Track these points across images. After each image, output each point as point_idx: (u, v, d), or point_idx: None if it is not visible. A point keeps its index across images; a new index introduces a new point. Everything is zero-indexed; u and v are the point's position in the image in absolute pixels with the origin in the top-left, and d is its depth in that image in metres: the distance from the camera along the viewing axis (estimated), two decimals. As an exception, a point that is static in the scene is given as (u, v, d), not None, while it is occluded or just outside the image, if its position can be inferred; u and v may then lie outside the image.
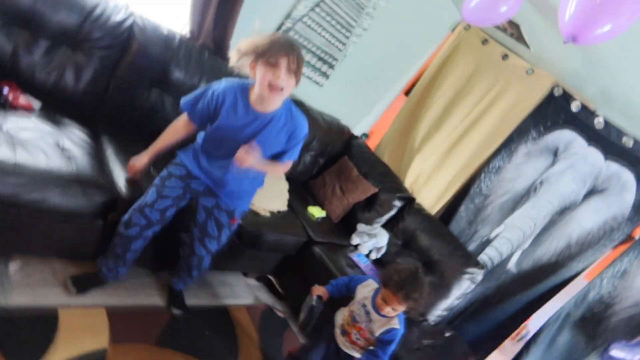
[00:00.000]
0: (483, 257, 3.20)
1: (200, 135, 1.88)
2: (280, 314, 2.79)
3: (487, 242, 3.23)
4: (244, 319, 2.51)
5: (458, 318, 3.25)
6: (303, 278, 2.78)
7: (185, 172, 1.87)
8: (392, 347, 1.99)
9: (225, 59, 2.53)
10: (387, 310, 1.91)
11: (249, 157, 1.65)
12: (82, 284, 1.92)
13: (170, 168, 1.90)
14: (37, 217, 1.71)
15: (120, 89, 2.21)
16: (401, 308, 1.90)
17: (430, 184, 3.48)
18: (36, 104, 1.89)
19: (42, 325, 1.70)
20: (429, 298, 1.93)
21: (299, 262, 2.82)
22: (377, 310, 1.95)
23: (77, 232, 1.87)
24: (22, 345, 1.59)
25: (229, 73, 2.44)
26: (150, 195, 1.85)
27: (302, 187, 3.35)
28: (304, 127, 1.82)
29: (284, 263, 2.85)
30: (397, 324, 1.96)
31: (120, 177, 1.95)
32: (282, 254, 2.79)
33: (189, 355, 2.05)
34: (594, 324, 2.73)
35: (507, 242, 3.15)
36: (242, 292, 2.73)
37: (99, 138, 2.10)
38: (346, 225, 3.23)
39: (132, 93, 2.25)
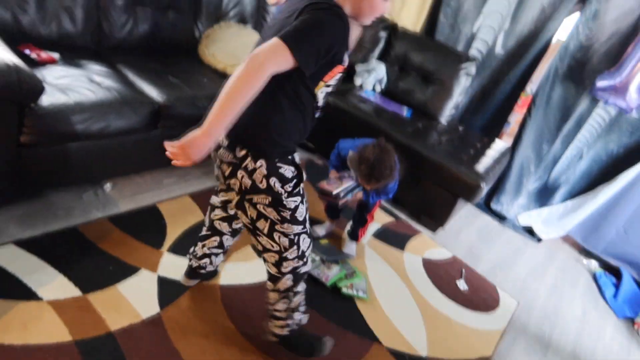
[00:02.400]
0: (472, 52, 3.51)
1: None
2: (319, 162, 3.24)
3: (472, 38, 3.50)
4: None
5: (465, 114, 3.67)
6: (327, 128, 3.18)
7: None
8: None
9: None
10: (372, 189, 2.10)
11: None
12: None
13: None
14: (107, 142, 2.07)
15: (109, 19, 2.42)
16: (377, 187, 2.06)
17: (405, 4, 3.66)
18: (55, 55, 2.13)
19: (152, 218, 2.17)
20: (400, 165, 2.05)
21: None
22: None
23: (140, 145, 2.23)
24: (148, 233, 2.07)
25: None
26: None
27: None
28: None
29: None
30: None
31: (151, 90, 2.26)
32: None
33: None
34: (579, 69, 3.11)
35: (489, 29, 3.41)
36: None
37: (116, 67, 2.36)
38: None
39: (120, 18, 2.46)
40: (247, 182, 1.35)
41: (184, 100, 2.32)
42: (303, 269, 1.55)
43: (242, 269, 2.11)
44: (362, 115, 3.07)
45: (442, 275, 2.58)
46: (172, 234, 2.14)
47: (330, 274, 2.19)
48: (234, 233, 1.76)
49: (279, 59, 1.15)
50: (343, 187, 2.10)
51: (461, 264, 2.75)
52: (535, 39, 3.26)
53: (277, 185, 1.35)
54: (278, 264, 1.52)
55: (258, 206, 1.39)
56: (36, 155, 1.86)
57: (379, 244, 2.66)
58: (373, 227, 2.76)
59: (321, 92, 1.34)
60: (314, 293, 2.08)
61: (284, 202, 1.38)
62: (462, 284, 2.57)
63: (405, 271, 2.50)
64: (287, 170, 1.36)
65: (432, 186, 2.89)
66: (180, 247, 2.08)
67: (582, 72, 3.09)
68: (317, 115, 1.42)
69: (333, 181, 2.16)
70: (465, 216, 3.32)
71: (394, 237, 2.76)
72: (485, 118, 3.65)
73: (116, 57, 2.44)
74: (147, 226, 2.13)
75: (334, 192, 2.06)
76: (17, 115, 1.72)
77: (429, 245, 2.82)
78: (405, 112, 3.26)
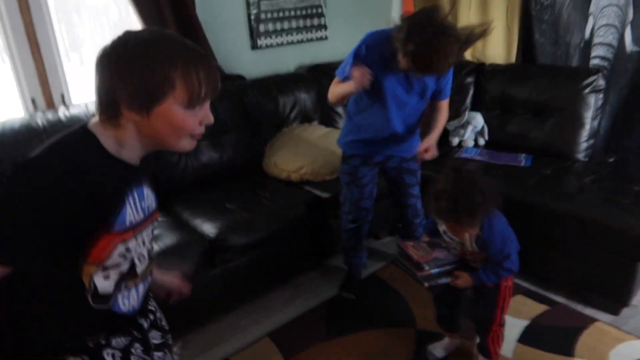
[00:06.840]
0: (594, 62, 2.71)
1: (352, 121, 1.98)
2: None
3: (587, 46, 2.72)
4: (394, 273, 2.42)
5: (611, 139, 2.76)
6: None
7: (361, 159, 1.99)
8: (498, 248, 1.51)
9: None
10: (465, 237, 1.52)
11: (430, 152, 1.87)
12: (350, 288, 2.25)
13: (349, 164, 2.02)
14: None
15: (161, 164, 2.34)
16: (473, 229, 1.47)
17: (489, 39, 3.07)
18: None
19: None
20: (489, 187, 1.42)
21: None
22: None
23: (202, 290, 1.94)
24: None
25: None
26: (352, 193, 2.05)
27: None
28: None
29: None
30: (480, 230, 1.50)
31: (203, 224, 2.04)
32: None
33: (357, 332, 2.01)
34: None
35: (608, 28, 2.62)
36: (382, 253, 2.64)
37: (172, 211, 2.21)
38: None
39: (172, 159, 2.37)
40: None
41: (239, 227, 2.04)
42: None
43: None
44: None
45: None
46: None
47: None
48: None
49: None
50: (432, 257, 1.54)
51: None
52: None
53: None
54: None
55: None
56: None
57: (530, 351, 1.87)
58: (514, 326, 1.99)
59: None
60: None
61: None
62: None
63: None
64: None
65: (594, 250, 2.06)
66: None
67: None
68: None
69: (421, 246, 1.59)
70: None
71: (554, 335, 1.94)
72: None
73: (175, 198, 2.31)
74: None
75: (416, 260, 1.53)
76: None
77: (613, 338, 1.91)
78: (523, 160, 2.54)
